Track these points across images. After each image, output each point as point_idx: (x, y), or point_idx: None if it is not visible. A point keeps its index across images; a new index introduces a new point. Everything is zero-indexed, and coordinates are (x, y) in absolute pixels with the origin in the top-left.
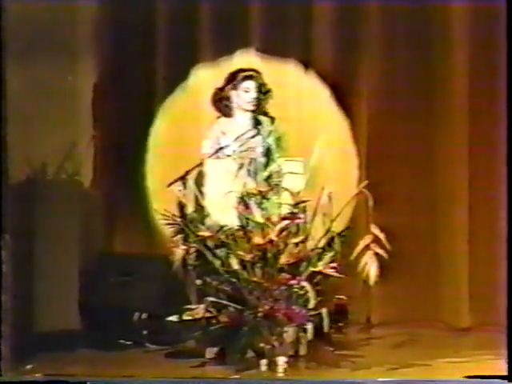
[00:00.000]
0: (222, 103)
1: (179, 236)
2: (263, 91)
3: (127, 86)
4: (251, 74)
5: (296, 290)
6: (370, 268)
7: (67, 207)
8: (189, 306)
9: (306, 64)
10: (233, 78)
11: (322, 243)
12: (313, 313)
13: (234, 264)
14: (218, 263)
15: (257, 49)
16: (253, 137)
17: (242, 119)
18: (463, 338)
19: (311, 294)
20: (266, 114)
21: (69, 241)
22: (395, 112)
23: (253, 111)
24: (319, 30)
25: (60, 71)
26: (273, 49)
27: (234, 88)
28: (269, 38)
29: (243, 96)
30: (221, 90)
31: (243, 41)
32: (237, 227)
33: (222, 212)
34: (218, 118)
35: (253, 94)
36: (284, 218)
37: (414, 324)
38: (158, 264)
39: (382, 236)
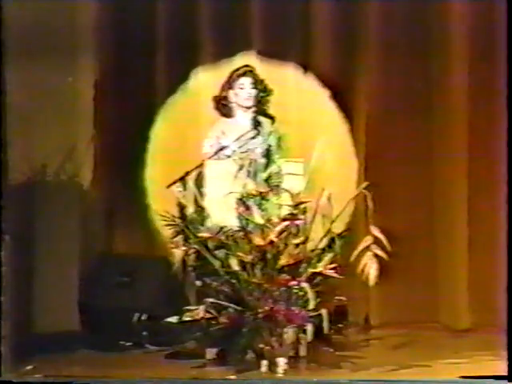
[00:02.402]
0: (221, 105)
1: (179, 237)
2: (260, 88)
3: (127, 87)
4: (244, 71)
5: (296, 291)
6: (370, 269)
7: (67, 208)
8: (189, 307)
9: (306, 66)
10: (229, 78)
11: (322, 244)
12: (313, 314)
13: (234, 265)
14: (217, 264)
15: (257, 51)
16: (253, 137)
17: (242, 119)
18: (463, 338)
19: (311, 295)
20: (266, 113)
21: (69, 242)
22: (394, 113)
23: (253, 109)
24: (319, 33)
25: (60, 71)
26: (273, 51)
27: (230, 87)
28: (269, 41)
29: (240, 93)
30: (219, 91)
31: (243, 43)
32: (237, 228)
33: (222, 213)
34: (220, 118)
35: (249, 89)
36: (284, 219)
37: (413, 325)
38: (157, 265)
39: (381, 237)
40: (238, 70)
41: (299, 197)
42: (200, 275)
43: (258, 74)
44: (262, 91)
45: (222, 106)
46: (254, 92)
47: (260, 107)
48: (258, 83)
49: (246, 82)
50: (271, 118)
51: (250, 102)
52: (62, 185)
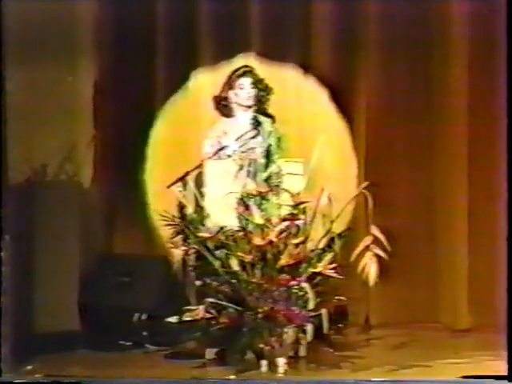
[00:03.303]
0: (222, 105)
1: (179, 237)
2: (260, 87)
3: (127, 87)
4: (244, 71)
5: (296, 291)
6: (370, 269)
7: (67, 208)
8: (188, 307)
9: (306, 67)
10: (229, 78)
11: (322, 244)
12: (312, 314)
13: (234, 265)
14: (217, 264)
15: (257, 53)
16: (253, 137)
17: (243, 119)
18: (463, 338)
19: (311, 295)
20: (266, 112)
21: (68, 242)
22: (394, 113)
23: (253, 108)
24: (318, 34)
25: (60, 71)
26: (273, 52)
27: (231, 88)
28: (269, 42)
29: (240, 93)
30: (220, 92)
31: (243, 45)
32: (236, 228)
33: (222, 213)
34: (220, 118)
35: (248, 89)
36: (284, 219)
37: (413, 325)
38: (157, 265)
39: (381, 237)
40: (237, 70)
41: (299, 197)
42: (200, 275)
43: (258, 74)
44: (262, 90)
45: (223, 107)
46: (253, 92)
47: (260, 106)
48: (258, 82)
49: (245, 82)
50: (271, 117)
51: (250, 102)
52: (62, 185)
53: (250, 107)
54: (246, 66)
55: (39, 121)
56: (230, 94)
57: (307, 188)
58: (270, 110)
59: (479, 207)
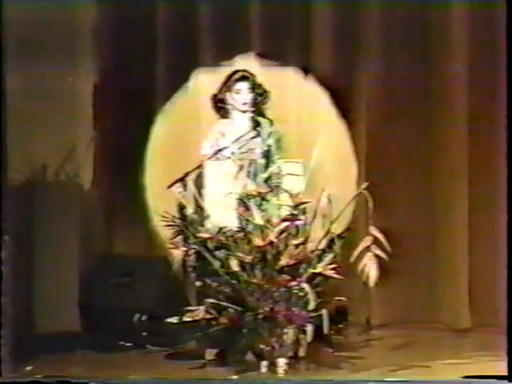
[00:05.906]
0: (218, 105)
1: (179, 237)
2: (258, 92)
3: (127, 87)
4: (243, 75)
5: (296, 291)
6: (370, 269)
7: (67, 208)
8: (189, 308)
9: (306, 69)
10: (227, 80)
11: (322, 245)
12: (313, 314)
13: (234, 265)
14: (217, 265)
15: (257, 54)
16: (252, 138)
17: (240, 120)
18: (463, 339)
19: (311, 296)
20: (263, 116)
21: (69, 242)
22: (394, 114)
23: (249, 112)
24: (319, 36)
25: (60, 72)
26: (273, 54)
27: (228, 90)
28: (269, 44)
29: (237, 97)
30: (217, 92)
31: (243, 46)
32: (236, 229)
33: (222, 213)
34: (219, 119)
35: (245, 95)
36: (284, 220)
37: (413, 325)
38: (157, 265)
39: (381, 237)
40: (235, 73)
41: (299, 197)
42: (200, 276)
43: (256, 79)
44: (259, 95)
45: (219, 107)
46: (250, 96)
47: (258, 109)
48: (256, 87)
49: (243, 87)
50: (269, 119)
51: (247, 107)
52: (62, 185)
53: (245, 112)
54: (244, 71)
55: (39, 121)
56: (228, 96)
57: (307, 188)
58: (269, 113)
59: (479, 207)
